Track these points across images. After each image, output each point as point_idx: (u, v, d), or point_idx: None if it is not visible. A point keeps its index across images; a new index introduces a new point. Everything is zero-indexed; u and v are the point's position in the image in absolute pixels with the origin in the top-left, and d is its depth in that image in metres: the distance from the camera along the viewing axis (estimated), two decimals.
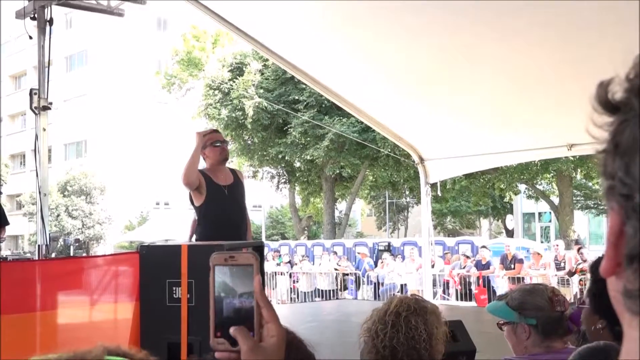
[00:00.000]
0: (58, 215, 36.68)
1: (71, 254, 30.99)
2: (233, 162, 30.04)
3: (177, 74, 28.40)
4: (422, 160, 10.77)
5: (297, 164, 27.70)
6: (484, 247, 15.54)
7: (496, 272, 14.23)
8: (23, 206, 41.37)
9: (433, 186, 10.93)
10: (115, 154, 41.16)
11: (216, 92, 25.96)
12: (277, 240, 35.40)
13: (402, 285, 15.79)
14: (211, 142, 5.13)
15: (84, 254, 34.79)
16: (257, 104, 24.43)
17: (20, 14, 5.63)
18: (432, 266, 12.60)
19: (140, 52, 42.99)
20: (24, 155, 49.24)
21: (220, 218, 4.94)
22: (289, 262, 20.00)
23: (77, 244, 36.36)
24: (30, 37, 5.26)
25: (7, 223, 9.00)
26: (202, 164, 5.16)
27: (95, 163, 40.92)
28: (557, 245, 13.95)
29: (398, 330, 2.07)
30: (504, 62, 6.94)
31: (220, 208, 4.97)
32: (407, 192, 32.52)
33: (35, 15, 5.41)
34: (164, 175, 36.89)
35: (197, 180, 4.90)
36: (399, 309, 2.11)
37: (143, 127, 41.87)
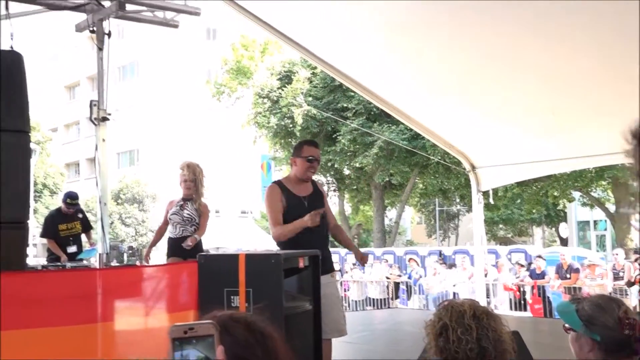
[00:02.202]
0: (112, 223, 37.40)
1: (125, 262, 31.55)
2: (282, 170, 30.27)
3: (226, 83, 28.72)
4: (473, 167, 10.67)
5: (346, 172, 27.71)
6: (539, 256, 15.30)
7: (551, 282, 14.01)
8: None
9: (485, 194, 10.82)
10: (167, 162, 41.83)
11: (265, 100, 26.17)
12: None
13: (454, 294, 15.66)
14: (306, 155, 5.14)
15: (137, 262, 35.40)
16: (305, 112, 24.55)
17: (80, 27, 5.79)
18: (485, 275, 12.47)
19: (190, 61, 43.64)
20: (79, 164, 50.40)
21: (301, 230, 4.90)
22: (339, 270, 20.00)
23: (130, 252, 36.99)
24: (100, 48, 5.40)
25: (91, 227, 9.39)
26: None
27: (147, 171, 41.62)
28: (617, 255, 13.62)
29: (486, 329, 2.09)
30: (557, 67, 6.85)
31: (298, 217, 4.92)
32: (458, 200, 32.24)
33: (94, 28, 5.56)
34: (215, 183, 37.36)
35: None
36: (476, 312, 2.13)
37: (193, 135, 42.46)
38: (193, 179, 6.97)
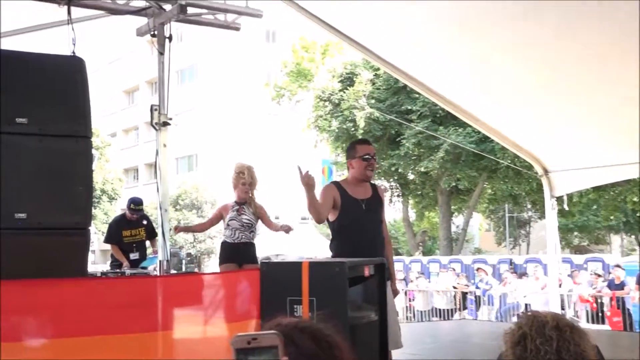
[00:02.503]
0: (170, 230, 38.02)
1: (183, 269, 32.03)
2: (343, 175, 30.30)
3: (286, 86, 28.96)
4: (546, 171, 10.48)
5: (411, 177, 27.57)
6: (617, 265, 14.91)
7: (631, 294, 13.62)
8: None
9: (559, 199, 10.61)
10: (225, 167, 42.30)
11: (326, 103, 26.27)
12: None
13: (525, 305, 15.39)
14: (362, 154, 5.17)
15: (196, 269, 35.92)
16: (368, 115, 24.54)
17: (141, 32, 5.92)
18: (560, 285, 12.21)
19: (249, 64, 44.09)
20: (137, 170, 51.47)
21: (356, 233, 4.93)
22: (404, 279, 19.89)
23: (188, 258, 37.54)
24: (161, 53, 5.52)
25: (156, 235, 9.45)
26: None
27: (206, 176, 42.16)
28: None
29: (567, 342, 2.07)
30: (633, 67, 6.68)
31: (355, 222, 4.96)
32: (529, 206, 31.68)
33: (155, 32, 5.68)
34: (274, 187, 37.65)
35: (328, 211, 4.97)
36: (559, 324, 2.10)
37: (253, 139, 42.85)
38: (251, 182, 7.05)
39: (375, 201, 5.20)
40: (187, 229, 7.33)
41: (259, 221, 7.22)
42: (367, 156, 5.15)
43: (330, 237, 5.13)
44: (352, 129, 25.28)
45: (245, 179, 7.01)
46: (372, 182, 5.38)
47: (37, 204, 3.96)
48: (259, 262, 4.35)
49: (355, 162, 5.16)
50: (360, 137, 24.63)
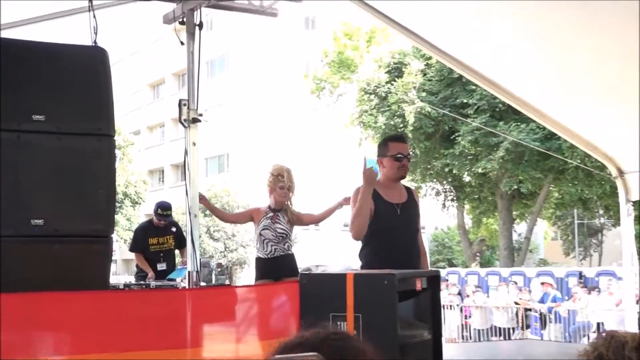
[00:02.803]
0: (199, 237, 38.21)
1: (213, 281, 32.23)
2: None
3: (327, 78, 29.01)
4: (621, 173, 10.31)
5: (467, 178, 27.39)
6: None
7: None
8: None
9: (636, 204, 10.44)
10: (259, 168, 42.51)
11: (372, 96, 26.25)
12: (444, 267, 35.09)
13: (598, 324, 15.18)
14: (393, 153, 5.18)
15: (227, 281, 36.16)
16: (419, 110, 24.45)
17: (168, 19, 5.96)
18: (637, 302, 12.01)
19: (285, 54, 44.17)
20: (163, 171, 51.97)
21: (389, 239, 4.97)
22: (459, 293, 19.77)
23: (219, 269, 37.78)
24: (182, 43, 5.56)
25: (185, 245, 9.43)
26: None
27: (238, 178, 42.37)
28: None
29: None
30: None
31: (390, 228, 4.99)
32: (601, 212, 31.24)
33: (184, 19, 5.72)
34: (314, 191, 37.76)
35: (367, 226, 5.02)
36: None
37: (290, 137, 42.95)
38: (289, 186, 7.03)
39: (411, 206, 5.24)
40: (210, 206, 7.22)
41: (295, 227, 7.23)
42: (399, 155, 5.19)
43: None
44: (401, 125, 25.22)
45: (284, 183, 6.95)
46: (406, 185, 5.44)
47: (55, 209, 4.01)
48: (299, 274, 4.35)
49: (386, 161, 5.22)
50: (410, 134, 24.56)
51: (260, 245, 6.98)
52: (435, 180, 27.92)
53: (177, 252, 9.45)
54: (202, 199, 6.40)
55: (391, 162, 5.18)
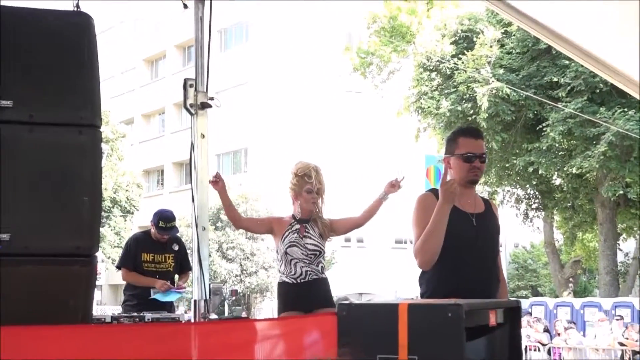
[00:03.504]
0: (208, 256, 38.24)
1: (226, 313, 32.34)
2: None
3: (375, 50, 29.00)
4: None
5: (557, 181, 27.29)
6: None
7: None
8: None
9: None
10: (286, 168, 42.50)
11: (433, 74, 26.28)
12: (526, 296, 34.95)
13: None
14: (463, 151, 5.18)
15: (244, 312, 36.33)
16: (494, 91, 24.40)
17: None
18: None
19: (320, 21, 44.10)
20: (162, 171, 52.27)
21: (461, 260, 4.99)
22: (546, 330, 19.70)
23: (233, 298, 37.95)
24: (185, 6, 5.60)
25: (189, 269, 9.35)
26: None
27: (260, 180, 42.47)
28: None
29: None
30: None
31: (462, 245, 5.00)
32: None
33: None
34: (356, 197, 37.75)
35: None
36: None
37: (326, 128, 42.92)
38: (319, 188, 7.00)
39: (490, 218, 5.28)
40: (225, 196, 7.00)
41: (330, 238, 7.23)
42: (469, 155, 5.20)
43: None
44: (471, 112, 25.23)
45: (311, 185, 6.94)
46: (482, 197, 5.46)
47: (24, 221, 4.03)
48: (336, 305, 4.36)
49: (454, 160, 5.24)
50: (483, 123, 24.50)
51: (285, 266, 6.92)
52: (514, 183, 27.86)
53: (176, 277, 9.39)
54: (216, 180, 6.39)
55: (459, 162, 5.20)
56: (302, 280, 6.84)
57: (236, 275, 39.39)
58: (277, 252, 7.05)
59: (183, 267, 9.13)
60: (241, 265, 39.65)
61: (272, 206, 39.84)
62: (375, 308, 4.39)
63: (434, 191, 5.24)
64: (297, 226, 6.91)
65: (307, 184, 6.90)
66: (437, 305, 4.08)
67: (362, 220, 7.20)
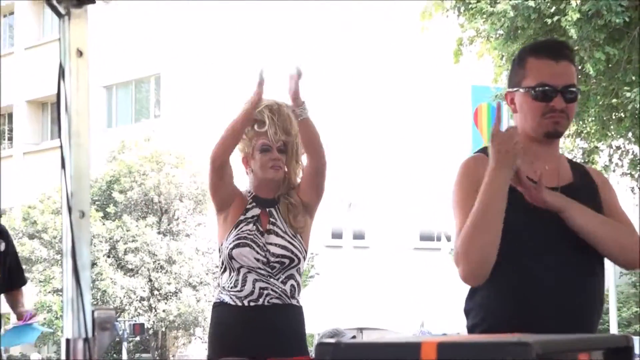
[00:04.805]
0: (95, 264, 38.28)
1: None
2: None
3: None
4: None
5: None
6: None
7: None
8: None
9: None
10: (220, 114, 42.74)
11: None
12: None
13: None
14: (531, 83, 5.17)
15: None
16: None
17: None
18: None
19: None
20: (10, 116, 52.44)
21: (535, 269, 5.03)
22: None
23: (137, 338, 38.07)
24: None
25: (23, 282, 9.51)
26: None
27: (181, 131, 42.81)
28: None
29: None
30: None
31: (536, 243, 5.05)
32: None
33: None
34: (362, 172, 37.96)
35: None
36: None
37: (309, 36, 43.28)
38: (286, 142, 7.02)
39: (585, 194, 5.24)
40: (252, 108, 6.92)
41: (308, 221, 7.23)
42: (545, 88, 5.17)
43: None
44: (552, 10, 25.26)
45: (267, 137, 6.95)
46: (572, 160, 5.51)
47: None
48: (315, 346, 4.42)
49: (520, 97, 5.27)
50: (573, 28, 24.53)
51: (229, 277, 7.01)
52: (629, 134, 27.95)
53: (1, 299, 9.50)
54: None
55: (529, 101, 5.20)
56: (252, 304, 6.91)
57: (142, 299, 39.50)
58: (219, 250, 7.20)
59: (13, 281, 9.26)
60: (150, 280, 39.77)
61: (202, 173, 40.05)
62: (381, 349, 4.45)
63: (483, 150, 5.31)
64: (256, 211, 7.03)
65: (260, 136, 6.93)
66: (488, 345, 4.13)
67: (316, 158, 7.15)
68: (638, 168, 29.17)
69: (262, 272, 6.91)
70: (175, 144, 41.26)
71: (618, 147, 28.94)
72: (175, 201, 40.57)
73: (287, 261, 6.95)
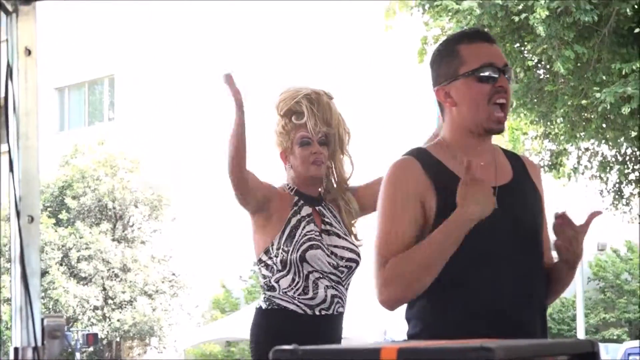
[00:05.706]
0: (47, 272, 38.18)
1: None
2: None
3: None
4: None
5: None
6: None
7: None
8: None
9: None
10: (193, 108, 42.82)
11: None
12: (618, 338, 35.50)
13: None
14: (475, 66, 5.16)
15: None
16: None
17: None
18: None
19: None
20: None
21: (484, 274, 5.00)
22: None
23: (90, 348, 37.96)
24: None
25: None
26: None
27: (137, 136, 42.71)
28: None
29: None
30: None
31: (483, 247, 5.00)
32: None
33: None
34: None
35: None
36: None
37: (270, 36, 43.37)
38: (327, 134, 6.98)
39: (523, 189, 5.20)
40: (240, 107, 6.75)
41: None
42: (487, 67, 5.07)
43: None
44: (519, 7, 25.31)
45: (306, 129, 6.94)
46: (508, 150, 5.43)
47: None
48: (271, 354, 4.41)
49: (459, 88, 5.15)
50: (541, 25, 24.54)
51: (293, 283, 6.90)
52: (598, 135, 27.98)
53: None
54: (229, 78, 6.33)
55: (473, 84, 5.07)
56: (323, 312, 6.86)
57: (96, 308, 39.45)
58: (265, 253, 6.97)
59: None
60: (104, 288, 39.73)
61: (174, 182, 40.01)
62: (340, 355, 4.46)
63: (414, 152, 5.18)
64: (307, 209, 6.95)
65: (299, 128, 6.82)
66: (450, 350, 4.15)
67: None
68: (607, 170, 29.20)
69: (333, 277, 6.85)
70: (130, 148, 41.20)
71: (587, 149, 28.96)
72: (130, 207, 40.52)
73: (354, 265, 6.88)
